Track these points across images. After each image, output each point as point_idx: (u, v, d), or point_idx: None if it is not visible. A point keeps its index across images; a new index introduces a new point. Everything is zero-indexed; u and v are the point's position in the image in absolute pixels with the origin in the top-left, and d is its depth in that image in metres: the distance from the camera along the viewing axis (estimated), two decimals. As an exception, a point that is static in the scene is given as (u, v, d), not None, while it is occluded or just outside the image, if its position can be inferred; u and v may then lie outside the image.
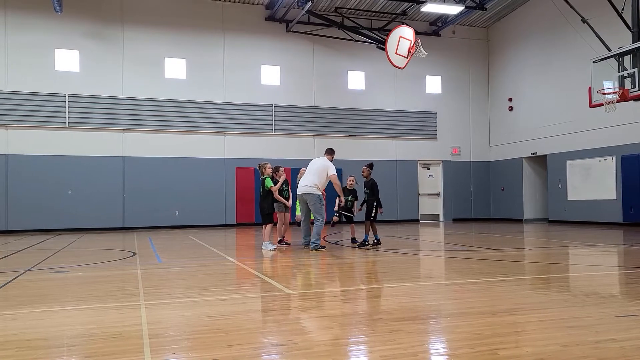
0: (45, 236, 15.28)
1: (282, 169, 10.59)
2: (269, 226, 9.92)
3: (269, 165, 10.10)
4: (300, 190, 9.80)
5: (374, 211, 10.14)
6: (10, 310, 4.59)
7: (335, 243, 11.20)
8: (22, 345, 3.45)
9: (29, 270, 7.33)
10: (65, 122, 17.65)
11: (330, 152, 10.18)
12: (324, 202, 9.82)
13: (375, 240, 10.36)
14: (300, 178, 10.26)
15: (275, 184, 10.17)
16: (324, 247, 9.82)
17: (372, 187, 10.24)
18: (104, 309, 4.62)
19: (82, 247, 11.34)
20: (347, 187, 10.55)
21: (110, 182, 17.99)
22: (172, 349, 3.34)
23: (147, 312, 4.39)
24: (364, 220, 10.40)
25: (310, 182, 9.68)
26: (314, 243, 9.51)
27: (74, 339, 3.61)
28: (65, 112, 17.65)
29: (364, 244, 10.18)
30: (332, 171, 9.66)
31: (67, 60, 17.82)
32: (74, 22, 17.83)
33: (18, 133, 17.20)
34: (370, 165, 10.41)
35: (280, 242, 10.67)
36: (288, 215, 10.89)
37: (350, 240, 10.79)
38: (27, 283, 6.23)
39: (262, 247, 9.84)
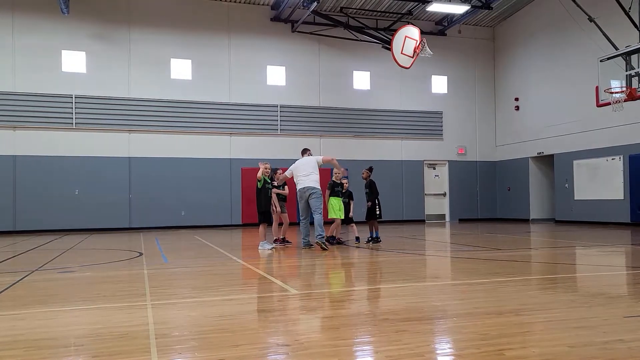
0: (53, 236, 15.36)
1: (279, 170, 10.88)
2: (266, 224, 10.03)
3: (267, 165, 10.17)
4: (306, 184, 9.84)
5: (377, 210, 10.80)
6: (18, 310, 4.62)
7: (342, 243, 11.18)
8: (30, 345, 3.48)
9: (36, 270, 7.37)
10: (72, 123, 17.74)
11: (306, 150, 10.75)
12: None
13: (376, 238, 10.89)
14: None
15: (274, 186, 10.56)
16: (327, 249, 9.79)
17: (372, 187, 10.86)
18: (111, 309, 4.64)
19: (89, 247, 11.39)
20: (343, 190, 11.05)
21: (117, 182, 18.06)
22: (178, 349, 3.35)
23: (153, 312, 4.41)
24: (366, 220, 11.05)
25: (314, 179, 9.91)
26: (321, 235, 9.50)
27: (81, 339, 3.62)
28: (72, 113, 17.74)
29: (378, 241, 10.82)
30: (319, 157, 10.26)
31: (73, 61, 17.91)
32: (80, 24, 17.91)
33: (25, 134, 17.30)
34: (370, 169, 11.15)
35: (275, 241, 10.67)
36: (286, 215, 10.94)
37: (354, 240, 10.99)
38: (35, 283, 6.26)
39: (259, 247, 9.88)
